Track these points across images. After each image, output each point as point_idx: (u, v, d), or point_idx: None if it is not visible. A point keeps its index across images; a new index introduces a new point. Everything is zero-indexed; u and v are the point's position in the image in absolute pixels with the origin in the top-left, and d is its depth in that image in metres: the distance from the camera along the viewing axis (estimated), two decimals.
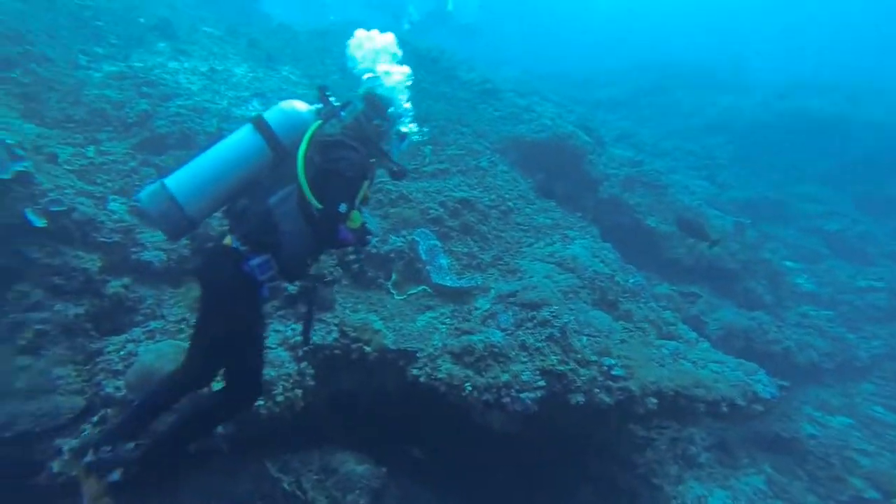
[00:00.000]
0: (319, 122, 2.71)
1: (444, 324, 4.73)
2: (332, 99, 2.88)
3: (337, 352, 4.62)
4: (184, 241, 4.95)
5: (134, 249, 4.73)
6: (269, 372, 4.19)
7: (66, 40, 7.23)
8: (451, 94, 9.45)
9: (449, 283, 5.09)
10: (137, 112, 6.14)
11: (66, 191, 4.68)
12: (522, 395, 4.14)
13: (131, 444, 2.84)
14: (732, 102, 16.55)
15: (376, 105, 2.92)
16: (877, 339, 10.00)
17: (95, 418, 4.03)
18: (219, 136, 2.81)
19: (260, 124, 2.64)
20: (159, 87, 6.83)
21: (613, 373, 4.29)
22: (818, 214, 13.05)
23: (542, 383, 4.19)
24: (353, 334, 4.63)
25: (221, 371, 2.84)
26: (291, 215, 2.54)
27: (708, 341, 5.80)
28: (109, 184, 5.19)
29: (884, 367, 9.59)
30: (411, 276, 5.32)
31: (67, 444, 3.94)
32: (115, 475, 2.60)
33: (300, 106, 2.77)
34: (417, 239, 5.41)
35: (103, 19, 8.19)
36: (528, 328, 4.60)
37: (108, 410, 3.99)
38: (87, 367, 4.18)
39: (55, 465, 3.91)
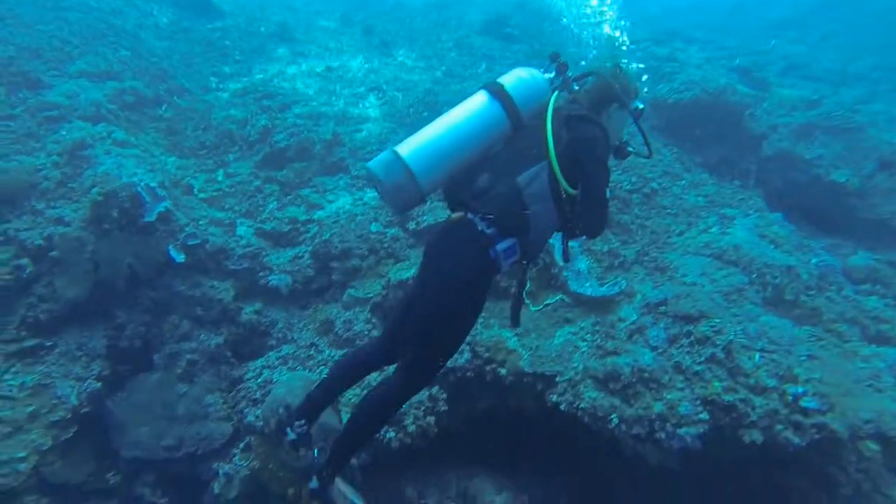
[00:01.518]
0: (557, 92, 2.49)
1: (584, 340, 4.15)
2: (568, 72, 2.61)
3: (469, 374, 4.32)
4: (308, 261, 4.98)
5: (262, 274, 4.86)
6: None
7: (200, 66, 7.70)
8: None
9: (589, 292, 4.45)
10: (258, 129, 6.30)
11: (200, 222, 4.91)
12: (681, 431, 3.46)
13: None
14: None
15: (622, 78, 2.60)
16: None
17: (241, 444, 4.29)
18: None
19: (499, 92, 2.40)
20: (278, 98, 6.96)
21: (803, 404, 3.39)
22: None
23: (704, 416, 3.46)
24: (486, 354, 4.28)
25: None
26: (541, 197, 2.32)
27: None
28: (237, 207, 5.39)
29: None
30: (547, 283, 4.76)
31: (222, 467, 4.25)
32: (313, 482, 2.51)
33: (538, 74, 2.52)
34: (551, 240, 4.81)
35: (229, 37, 8.60)
36: (683, 346, 3.83)
37: (251, 438, 4.20)
38: (231, 394, 4.43)
39: (216, 487, 4.26)
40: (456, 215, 2.37)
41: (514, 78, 2.44)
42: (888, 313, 4.77)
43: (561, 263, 4.66)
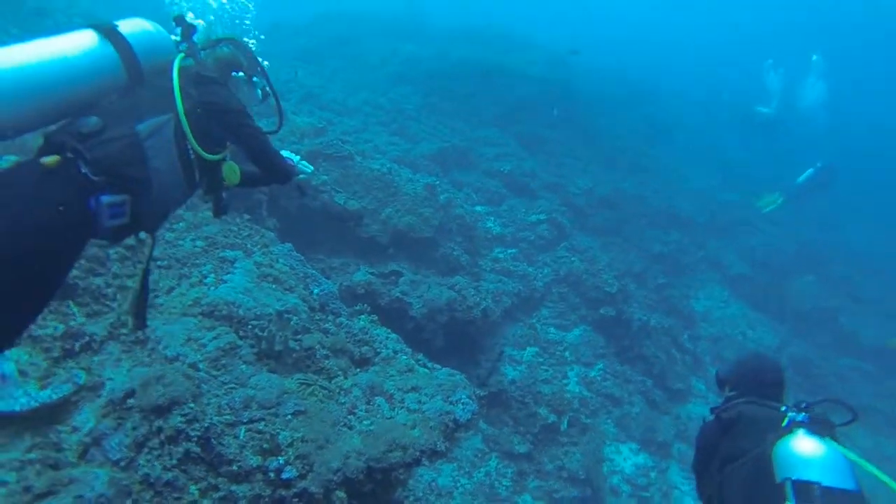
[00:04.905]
0: (183, 55, 2.26)
1: (4, 484, 2.94)
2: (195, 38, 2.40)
3: None
4: None
5: None
6: None
7: None
8: None
9: (21, 405, 3.21)
10: None
11: None
12: None
13: None
14: (413, 52, 16.66)
15: (246, 50, 2.61)
16: (546, 267, 11.46)
17: None
18: None
19: (112, 34, 2.03)
20: None
21: (284, 476, 3.27)
22: (495, 156, 14.22)
23: None
24: None
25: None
26: (164, 153, 2.04)
27: (404, 352, 5.26)
28: None
29: (552, 290, 11.07)
30: None
31: None
32: None
33: (163, 30, 2.27)
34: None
35: None
36: (153, 450, 3.17)
37: None
38: None
39: None
40: (49, 159, 1.81)
41: (136, 26, 2.17)
42: (372, 332, 5.40)
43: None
